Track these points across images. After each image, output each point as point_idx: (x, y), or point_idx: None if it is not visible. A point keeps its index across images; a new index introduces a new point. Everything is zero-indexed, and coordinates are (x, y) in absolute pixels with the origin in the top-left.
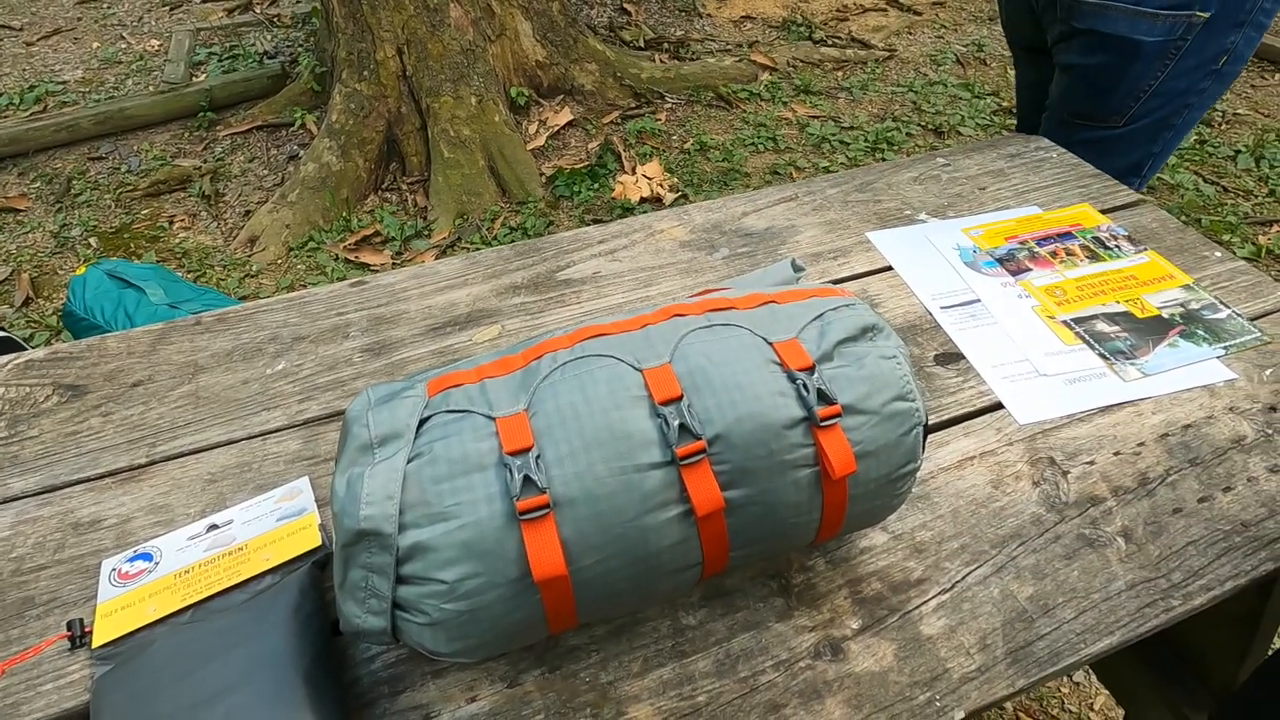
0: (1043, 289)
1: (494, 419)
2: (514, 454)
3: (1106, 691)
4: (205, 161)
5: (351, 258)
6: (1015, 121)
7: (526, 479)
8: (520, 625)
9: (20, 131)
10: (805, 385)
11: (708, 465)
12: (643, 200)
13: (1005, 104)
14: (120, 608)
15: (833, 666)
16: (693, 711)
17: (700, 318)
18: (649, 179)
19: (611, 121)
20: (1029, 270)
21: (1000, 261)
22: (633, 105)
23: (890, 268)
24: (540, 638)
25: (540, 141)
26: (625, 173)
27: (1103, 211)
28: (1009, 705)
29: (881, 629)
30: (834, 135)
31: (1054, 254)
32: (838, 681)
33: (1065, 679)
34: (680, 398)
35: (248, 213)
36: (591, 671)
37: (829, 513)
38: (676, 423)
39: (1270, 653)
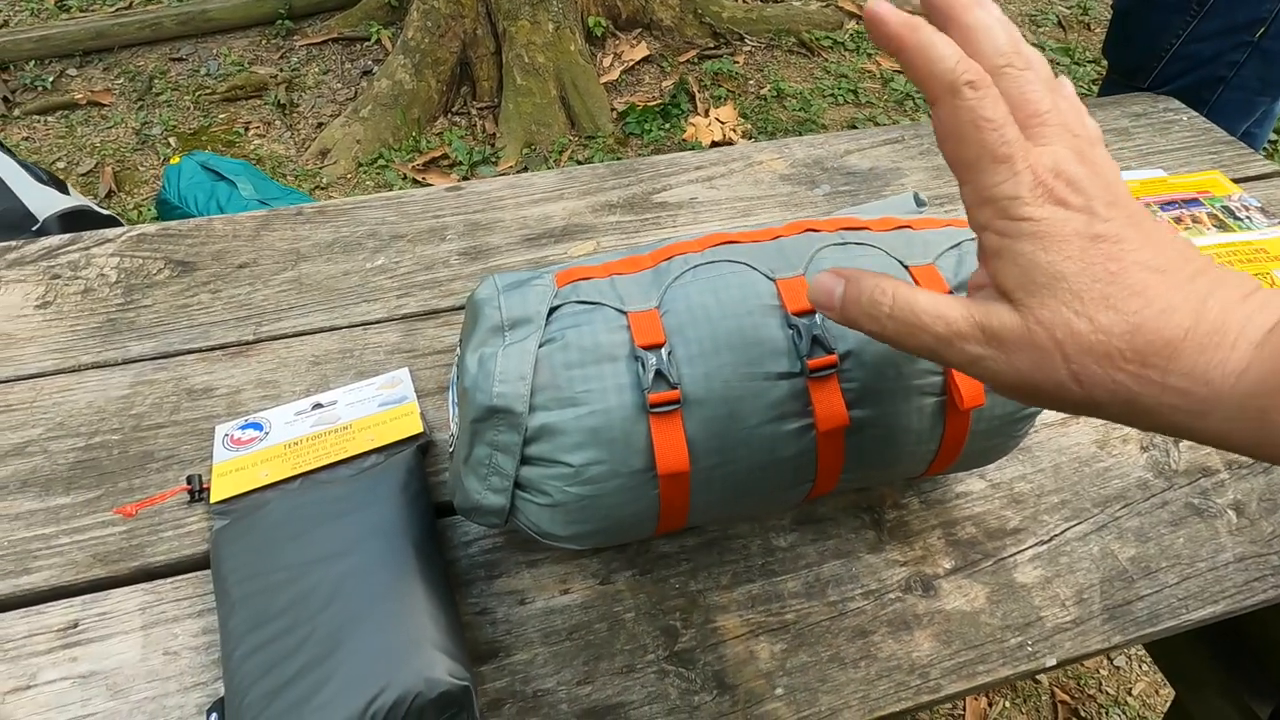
0: None
1: (625, 313)
2: (646, 348)
3: (1147, 678)
4: (281, 70)
5: (419, 178)
6: None
7: (658, 373)
8: (633, 518)
9: (106, 26)
10: None
11: (836, 381)
12: (713, 144)
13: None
14: (234, 469)
15: (923, 601)
16: (780, 627)
17: (834, 235)
18: (722, 123)
19: (688, 60)
20: None
21: None
22: (711, 45)
23: None
24: (646, 535)
25: (614, 75)
26: (698, 114)
27: (1235, 180)
28: (1045, 680)
29: (974, 571)
30: (919, 93)
31: (1178, 220)
32: (927, 616)
33: (1106, 661)
34: (814, 310)
35: (320, 125)
36: (681, 579)
37: (947, 444)
38: (810, 334)
39: None
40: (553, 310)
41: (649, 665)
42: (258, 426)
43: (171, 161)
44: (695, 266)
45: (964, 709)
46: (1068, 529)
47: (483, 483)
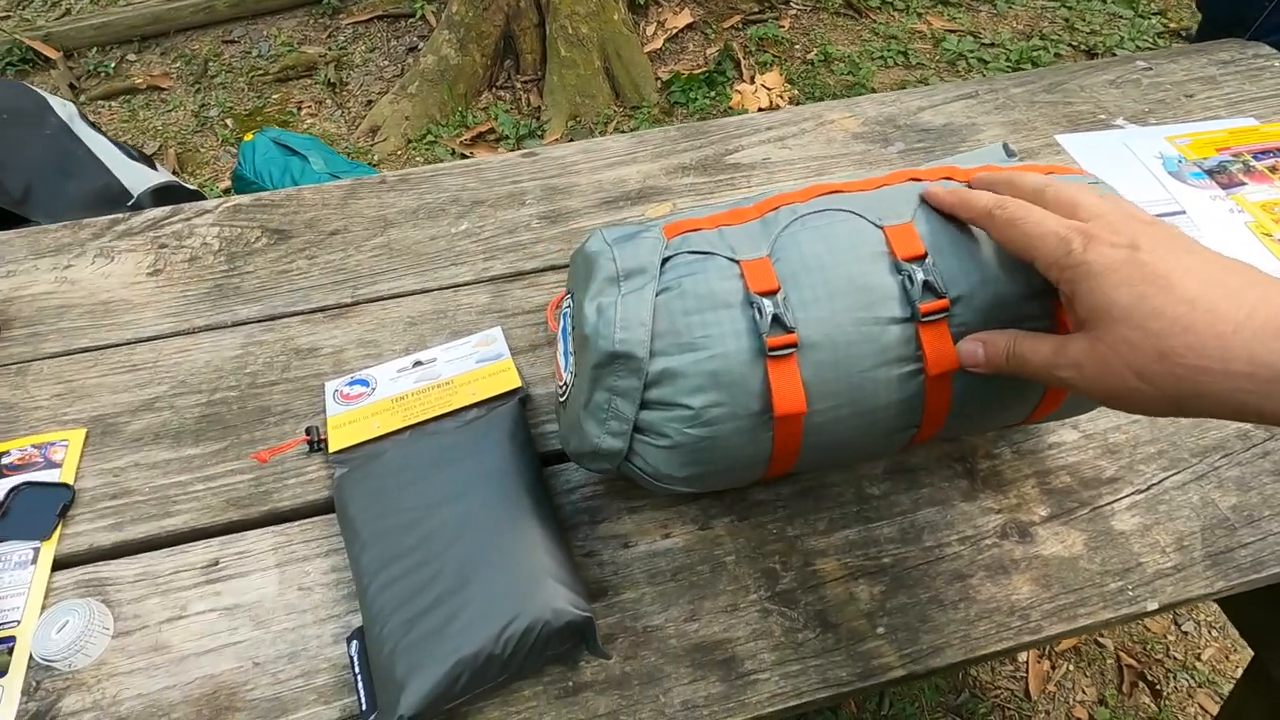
0: (1259, 205)
1: (738, 261)
2: (761, 295)
3: (1217, 644)
4: (330, 49)
5: (467, 153)
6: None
7: (775, 318)
8: (747, 460)
9: (162, 11)
10: None
11: (946, 325)
12: (767, 111)
13: (1173, 25)
14: (348, 422)
15: (1020, 547)
16: (878, 570)
17: (936, 182)
18: (768, 89)
19: (732, 26)
20: (1243, 184)
21: (1209, 173)
22: (755, 9)
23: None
24: (755, 478)
25: (658, 44)
26: (743, 81)
27: None
28: (1109, 644)
29: (1071, 519)
30: (972, 52)
31: (1273, 169)
32: (1025, 561)
33: (1174, 627)
34: (924, 256)
35: (369, 102)
36: (779, 524)
37: (1053, 389)
38: (921, 279)
39: None
40: (665, 260)
41: (752, 605)
42: (364, 383)
43: (245, 139)
44: (803, 216)
45: (1026, 670)
46: (1165, 478)
47: (601, 426)
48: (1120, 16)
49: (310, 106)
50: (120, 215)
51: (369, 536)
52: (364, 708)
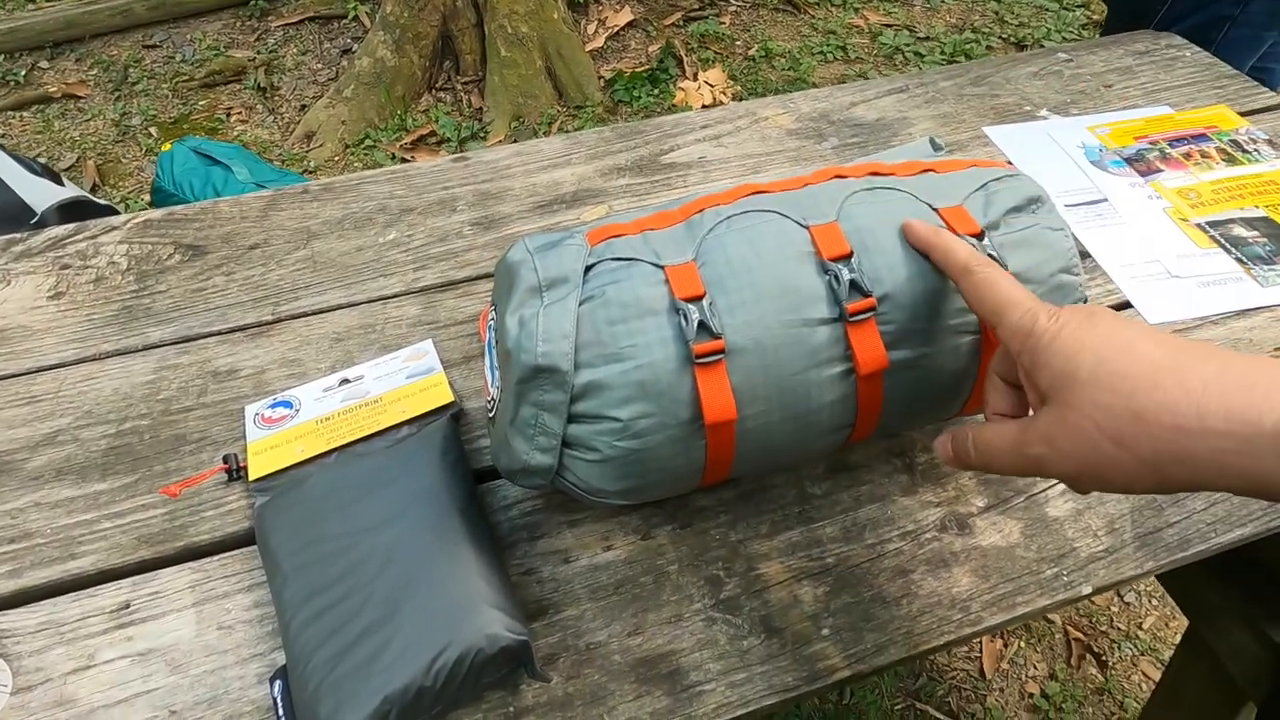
0: (1175, 191)
1: (662, 267)
2: (686, 300)
3: (1157, 612)
4: (259, 53)
5: (407, 157)
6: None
7: (701, 324)
8: (680, 470)
9: (76, 15)
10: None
11: (874, 324)
12: (704, 108)
13: (1096, 16)
14: (269, 447)
15: (959, 540)
16: (822, 571)
17: (862, 180)
18: (711, 86)
19: (673, 24)
20: (1160, 171)
21: (1129, 161)
22: (695, 6)
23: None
24: (690, 488)
25: (599, 42)
26: (686, 79)
27: (1241, 114)
28: (1058, 619)
29: (1007, 509)
30: (908, 46)
31: (1187, 155)
32: (964, 553)
33: (1117, 598)
34: (849, 255)
35: (303, 107)
36: (721, 530)
37: (982, 381)
38: (847, 279)
39: None
40: (589, 268)
41: (696, 614)
42: (287, 404)
43: (163, 149)
44: (728, 218)
45: (980, 650)
46: None
47: (530, 443)
48: (1046, 9)
49: (240, 113)
50: (18, 235)
51: (291, 568)
52: None
